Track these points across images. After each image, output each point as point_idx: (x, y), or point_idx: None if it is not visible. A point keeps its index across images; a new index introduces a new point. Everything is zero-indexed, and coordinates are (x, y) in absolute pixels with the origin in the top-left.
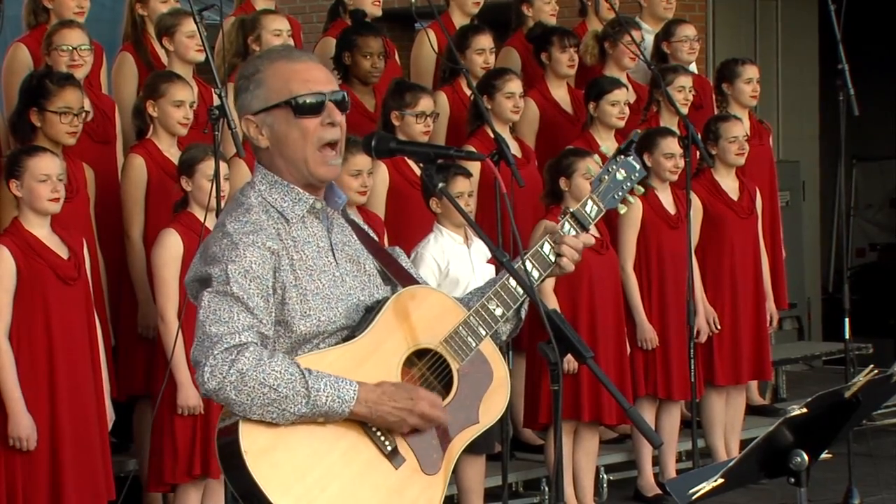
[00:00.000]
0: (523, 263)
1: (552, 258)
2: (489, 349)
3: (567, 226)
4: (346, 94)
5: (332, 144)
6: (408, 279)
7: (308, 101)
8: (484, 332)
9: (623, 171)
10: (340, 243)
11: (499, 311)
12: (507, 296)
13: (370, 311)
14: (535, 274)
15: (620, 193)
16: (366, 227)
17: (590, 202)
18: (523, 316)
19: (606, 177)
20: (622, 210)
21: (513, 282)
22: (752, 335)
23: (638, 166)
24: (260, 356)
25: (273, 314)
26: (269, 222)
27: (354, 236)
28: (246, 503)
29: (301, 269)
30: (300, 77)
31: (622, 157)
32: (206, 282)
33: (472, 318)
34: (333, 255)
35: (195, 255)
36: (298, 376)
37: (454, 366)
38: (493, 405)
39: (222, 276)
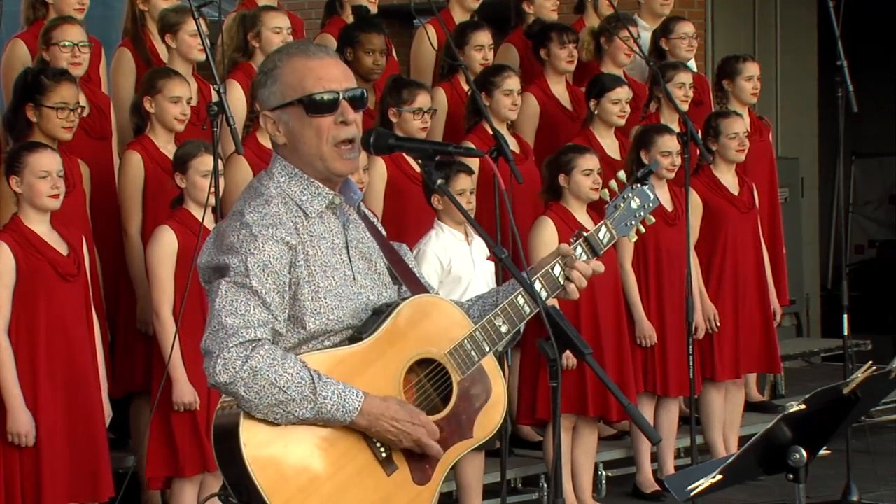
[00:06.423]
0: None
1: (561, 280)
2: (490, 365)
3: (580, 250)
4: (364, 90)
5: (347, 142)
6: (413, 282)
7: (321, 99)
8: (488, 348)
9: (638, 200)
10: (355, 240)
11: (504, 329)
12: (514, 314)
13: (377, 314)
14: (543, 294)
15: (633, 222)
16: (376, 221)
17: (603, 228)
18: (522, 329)
19: (622, 204)
20: (633, 239)
21: (520, 300)
22: (758, 329)
23: (652, 196)
24: (274, 356)
25: (286, 310)
26: (288, 215)
27: (368, 233)
28: (236, 492)
29: (315, 265)
30: (315, 74)
31: (638, 185)
32: (223, 270)
33: (477, 332)
34: (348, 253)
35: (207, 240)
36: (308, 381)
37: (455, 378)
38: (489, 421)
39: (241, 267)
